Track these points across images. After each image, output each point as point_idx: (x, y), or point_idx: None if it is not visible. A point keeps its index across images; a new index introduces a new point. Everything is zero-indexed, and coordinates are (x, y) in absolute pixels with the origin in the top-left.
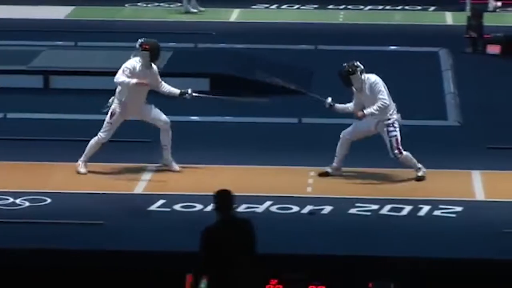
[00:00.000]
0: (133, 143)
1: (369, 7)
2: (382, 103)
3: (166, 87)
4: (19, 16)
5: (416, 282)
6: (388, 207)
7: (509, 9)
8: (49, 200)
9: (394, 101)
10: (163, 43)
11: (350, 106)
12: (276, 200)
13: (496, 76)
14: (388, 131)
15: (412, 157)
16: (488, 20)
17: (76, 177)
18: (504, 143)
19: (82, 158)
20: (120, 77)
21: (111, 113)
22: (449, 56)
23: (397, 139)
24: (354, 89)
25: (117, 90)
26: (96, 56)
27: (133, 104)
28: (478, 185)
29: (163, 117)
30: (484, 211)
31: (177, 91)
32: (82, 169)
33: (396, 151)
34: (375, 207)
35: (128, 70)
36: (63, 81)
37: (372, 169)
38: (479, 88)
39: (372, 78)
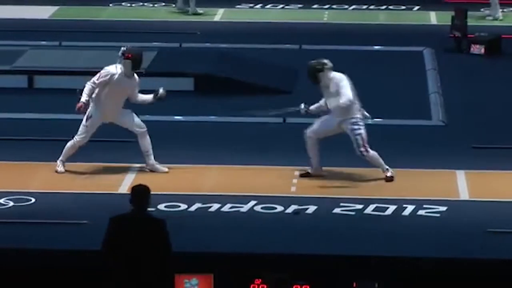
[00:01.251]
0: (118, 143)
1: (353, 6)
2: (345, 100)
3: (140, 97)
4: (2, 16)
5: (400, 282)
6: (372, 206)
7: (487, 9)
8: (33, 200)
9: (379, 100)
10: (147, 42)
11: (322, 102)
12: (260, 199)
13: (480, 75)
14: (353, 129)
15: (379, 157)
16: (472, 20)
17: (61, 177)
18: (489, 143)
19: (60, 158)
20: (87, 86)
21: (87, 116)
22: (433, 55)
23: (362, 137)
24: (321, 86)
25: (94, 92)
26: (80, 56)
27: (109, 108)
28: (463, 185)
29: (139, 122)
30: (468, 210)
31: (150, 96)
32: (60, 168)
33: (362, 149)
34: (359, 206)
35: (102, 80)
36: (47, 81)
37: (357, 169)
38: (463, 87)
39: (338, 76)
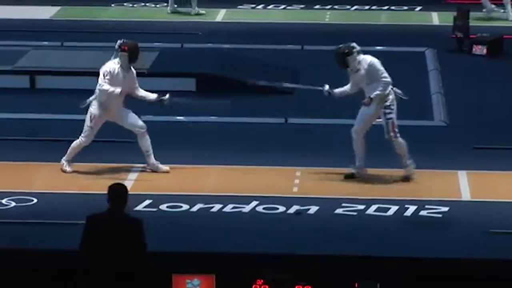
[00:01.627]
0: (119, 143)
1: (355, 7)
2: (384, 81)
3: (142, 92)
4: (4, 16)
5: (402, 282)
6: (374, 207)
7: (495, 9)
8: (35, 200)
9: None
10: (149, 43)
11: (347, 88)
12: (262, 200)
13: (482, 76)
14: (385, 113)
15: (406, 147)
16: (474, 20)
17: (63, 177)
18: (491, 143)
19: (65, 158)
20: (104, 85)
21: (90, 116)
22: (435, 56)
23: (393, 122)
24: (349, 70)
25: (96, 92)
26: (82, 56)
27: (111, 107)
28: (464, 185)
29: (140, 122)
30: (470, 211)
31: (153, 96)
32: (67, 168)
33: (391, 133)
34: (361, 207)
35: (109, 75)
36: (49, 81)
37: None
38: (465, 88)
39: (368, 58)
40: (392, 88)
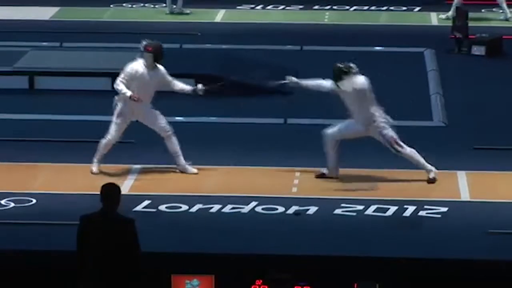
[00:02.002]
0: (119, 144)
1: (354, 7)
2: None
3: (178, 85)
4: (3, 17)
5: (401, 283)
6: (373, 207)
7: (494, 9)
8: (34, 201)
9: (380, 101)
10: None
11: (322, 83)
12: (262, 200)
13: (481, 76)
14: (380, 133)
15: (418, 155)
16: (473, 20)
17: (62, 178)
18: (490, 144)
19: (95, 159)
20: (119, 83)
21: (117, 113)
22: (434, 56)
23: (392, 137)
24: (339, 85)
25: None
26: (81, 57)
27: (136, 105)
28: (463, 185)
29: (165, 126)
30: (469, 211)
31: (189, 87)
32: (95, 169)
33: (395, 146)
34: (360, 207)
35: (127, 76)
36: (48, 82)
37: (358, 169)
38: (464, 88)
39: (361, 80)
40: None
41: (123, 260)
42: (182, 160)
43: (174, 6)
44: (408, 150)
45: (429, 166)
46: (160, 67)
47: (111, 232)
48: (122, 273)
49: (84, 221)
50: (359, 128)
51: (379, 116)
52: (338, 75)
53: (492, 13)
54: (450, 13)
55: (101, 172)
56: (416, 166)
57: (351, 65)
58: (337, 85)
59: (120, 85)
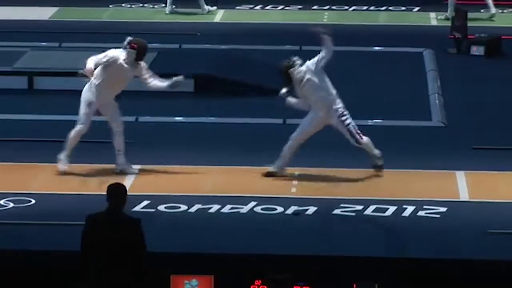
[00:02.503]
0: None
1: (353, 7)
2: (319, 57)
3: (154, 84)
4: (2, 17)
5: (400, 283)
6: (372, 207)
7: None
8: (33, 201)
9: (379, 101)
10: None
11: (299, 101)
12: (261, 200)
13: (480, 76)
14: (342, 121)
15: (371, 143)
16: (472, 21)
17: (61, 178)
18: (489, 144)
19: (65, 152)
20: (90, 60)
21: (87, 103)
22: (433, 56)
23: (353, 125)
24: (295, 84)
25: (93, 78)
26: (80, 57)
27: (105, 94)
28: (463, 186)
29: (121, 121)
30: (468, 211)
31: (165, 84)
32: (62, 166)
33: (357, 137)
34: (359, 207)
35: (105, 58)
36: (48, 82)
37: (357, 169)
38: (463, 88)
39: (305, 66)
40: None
41: (127, 260)
42: (123, 158)
43: (174, 6)
44: (366, 139)
45: (378, 152)
46: (142, 64)
47: (116, 232)
48: (126, 273)
49: (90, 221)
50: (318, 115)
51: (339, 102)
52: (286, 74)
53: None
54: (448, 13)
55: (100, 173)
56: (369, 155)
57: (293, 57)
58: (290, 82)
59: (91, 59)
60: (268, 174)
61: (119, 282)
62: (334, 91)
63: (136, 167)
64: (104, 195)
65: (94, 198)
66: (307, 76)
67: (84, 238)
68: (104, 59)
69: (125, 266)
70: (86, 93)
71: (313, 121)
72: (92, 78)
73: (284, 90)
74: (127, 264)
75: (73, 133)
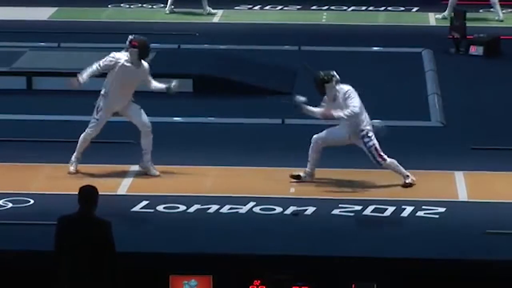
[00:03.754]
0: (116, 144)
1: (352, 8)
2: (352, 109)
3: (154, 85)
4: (1, 18)
5: (399, 283)
6: (371, 208)
7: (492, 9)
8: (32, 201)
9: (378, 101)
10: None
11: (316, 111)
12: (259, 201)
13: (479, 77)
14: (365, 142)
15: (397, 164)
16: (471, 21)
17: (59, 178)
18: (488, 144)
19: (74, 155)
20: (99, 63)
21: (97, 108)
22: (432, 57)
23: (376, 148)
24: (326, 98)
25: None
26: (79, 57)
27: (117, 98)
28: (461, 186)
29: (146, 120)
30: (467, 211)
31: (162, 86)
32: (72, 168)
33: (378, 159)
34: (358, 208)
35: (109, 59)
36: (46, 82)
37: (355, 170)
38: (462, 88)
39: (346, 88)
40: (370, 122)
41: (99, 261)
42: (147, 158)
43: (173, 7)
44: (389, 161)
45: (407, 173)
46: (145, 64)
47: (87, 233)
48: (99, 274)
49: (61, 222)
50: (343, 133)
51: (366, 124)
52: (320, 86)
53: (490, 13)
54: (446, 13)
55: (99, 173)
56: (398, 174)
57: (332, 72)
58: (322, 94)
59: (90, 68)
60: (295, 177)
61: (92, 284)
62: (364, 114)
63: (135, 167)
64: (103, 195)
65: None
66: (340, 94)
67: (56, 240)
68: (106, 63)
69: (96, 268)
70: (99, 99)
71: (338, 136)
72: (106, 87)
73: (302, 99)
74: (99, 266)
75: (81, 137)
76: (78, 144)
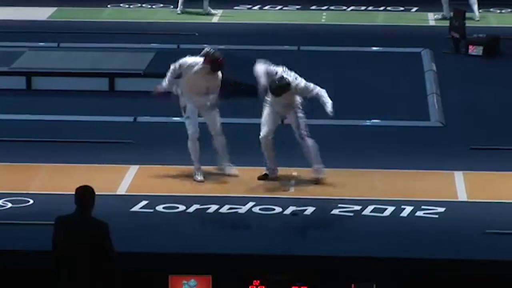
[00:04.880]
0: (116, 144)
1: (351, 7)
2: (315, 87)
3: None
4: (0, 17)
5: (398, 283)
6: (370, 207)
7: (492, 9)
8: (31, 201)
9: (377, 101)
10: (145, 44)
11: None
12: (259, 201)
13: (478, 77)
14: (297, 115)
15: (317, 151)
16: (471, 21)
17: (59, 178)
18: (487, 144)
19: (194, 166)
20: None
21: (183, 108)
22: (431, 56)
23: (305, 121)
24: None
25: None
26: (78, 57)
27: (192, 97)
28: (461, 186)
29: (217, 126)
30: (466, 211)
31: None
32: (199, 177)
33: (304, 132)
34: (357, 207)
35: (182, 63)
36: (46, 82)
37: (355, 170)
38: (461, 88)
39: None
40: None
41: (97, 262)
42: (223, 160)
43: (182, 7)
44: (312, 142)
45: (319, 166)
46: (219, 74)
47: (85, 234)
48: (97, 275)
49: (59, 222)
50: (277, 109)
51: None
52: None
53: (489, 13)
54: (444, 12)
55: (98, 173)
56: (309, 159)
57: (283, 77)
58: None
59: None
60: (262, 177)
61: (90, 284)
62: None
63: (135, 167)
64: (102, 195)
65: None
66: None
67: (54, 239)
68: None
69: (94, 268)
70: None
71: (273, 114)
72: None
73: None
74: (97, 267)
75: (188, 144)
76: (191, 153)
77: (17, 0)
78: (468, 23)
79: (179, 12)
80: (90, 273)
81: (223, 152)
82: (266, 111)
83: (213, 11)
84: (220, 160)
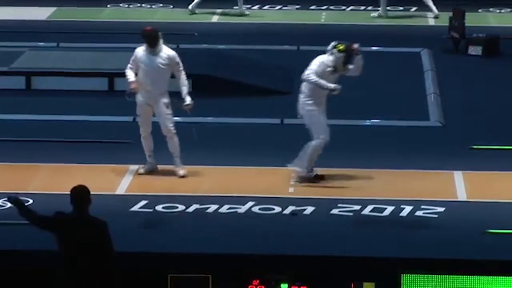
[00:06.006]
0: (115, 144)
1: (351, 7)
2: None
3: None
4: (0, 17)
5: (398, 283)
6: (370, 207)
7: (491, 9)
8: (31, 201)
9: (377, 101)
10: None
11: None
12: (258, 200)
13: (478, 76)
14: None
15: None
16: (470, 20)
17: (58, 178)
18: (487, 143)
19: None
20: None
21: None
22: (431, 56)
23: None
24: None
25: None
26: (78, 57)
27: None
28: (460, 186)
29: (170, 124)
30: (466, 211)
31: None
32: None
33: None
34: (357, 207)
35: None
36: (45, 82)
37: (355, 170)
38: (461, 88)
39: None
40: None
41: (96, 260)
42: (176, 161)
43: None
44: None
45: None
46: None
47: (84, 233)
48: (96, 274)
49: (58, 217)
50: (324, 108)
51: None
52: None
53: (489, 13)
54: (381, 11)
55: (98, 172)
56: (173, 154)
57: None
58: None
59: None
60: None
61: (89, 284)
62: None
63: (134, 167)
64: (102, 195)
65: (94, 198)
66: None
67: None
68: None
69: (93, 267)
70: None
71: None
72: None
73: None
74: (96, 265)
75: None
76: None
77: (17, 0)
78: (468, 23)
79: (195, 11)
80: (90, 273)
81: (175, 153)
82: (317, 113)
83: (246, 12)
84: (175, 163)
